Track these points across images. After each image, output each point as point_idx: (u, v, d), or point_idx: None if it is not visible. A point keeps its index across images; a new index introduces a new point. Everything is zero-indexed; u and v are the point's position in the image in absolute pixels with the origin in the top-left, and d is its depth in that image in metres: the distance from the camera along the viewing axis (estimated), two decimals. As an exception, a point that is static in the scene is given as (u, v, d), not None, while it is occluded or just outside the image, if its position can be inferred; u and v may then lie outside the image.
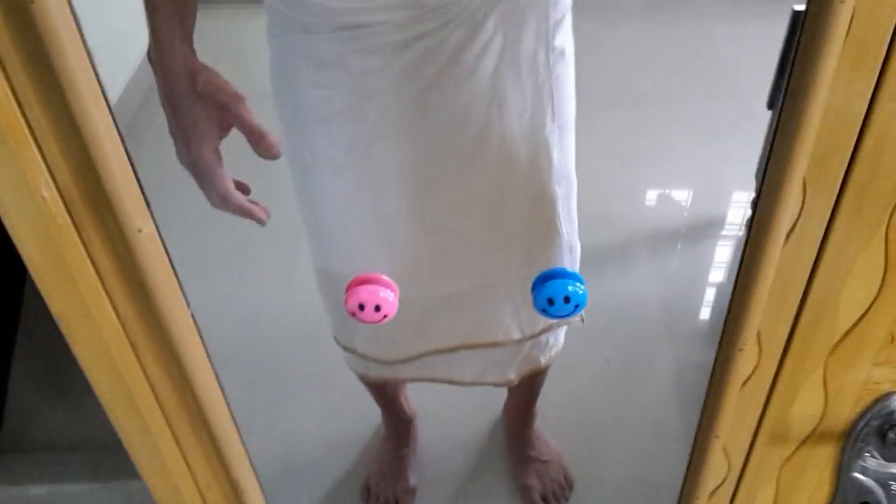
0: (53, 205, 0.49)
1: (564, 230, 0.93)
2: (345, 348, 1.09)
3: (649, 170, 1.93)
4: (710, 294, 1.72)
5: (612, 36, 2.26)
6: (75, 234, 0.50)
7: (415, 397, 1.44)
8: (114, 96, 0.49)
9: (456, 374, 1.10)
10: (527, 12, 0.76)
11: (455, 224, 0.89)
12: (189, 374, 0.60)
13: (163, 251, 0.54)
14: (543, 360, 1.10)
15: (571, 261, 0.97)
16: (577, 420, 1.49)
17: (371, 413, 1.43)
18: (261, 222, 0.79)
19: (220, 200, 0.77)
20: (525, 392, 1.34)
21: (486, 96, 0.79)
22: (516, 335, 1.02)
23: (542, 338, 1.07)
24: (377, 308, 0.75)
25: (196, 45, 0.70)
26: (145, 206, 0.52)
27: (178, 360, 0.58)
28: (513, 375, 1.11)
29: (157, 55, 0.69)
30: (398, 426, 1.41)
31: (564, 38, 0.82)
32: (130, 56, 2.14)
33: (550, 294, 0.77)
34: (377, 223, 0.89)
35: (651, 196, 1.89)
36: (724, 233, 1.82)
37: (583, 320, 1.08)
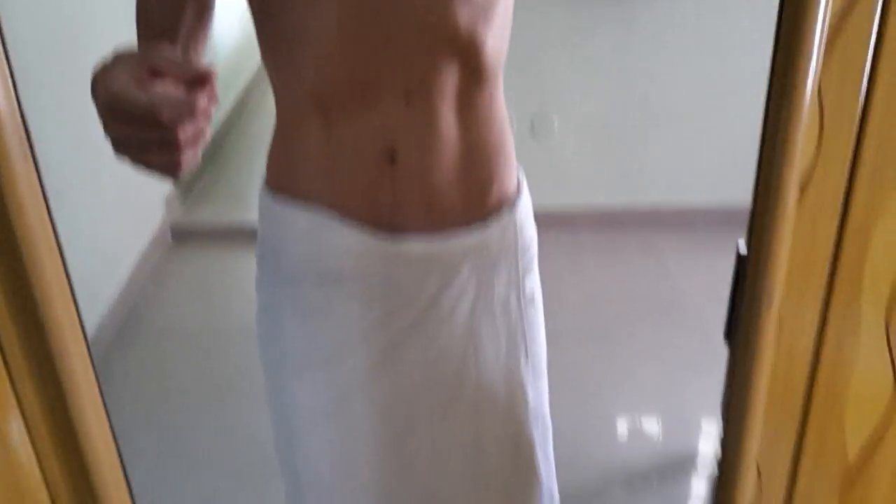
0: (22, 448, 0.47)
1: (543, 476, 0.92)
2: None
3: (618, 405, 1.95)
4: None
5: (573, 274, 2.39)
6: (42, 483, 0.49)
7: None
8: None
9: None
10: (498, 261, 0.82)
11: (433, 469, 0.88)
12: None
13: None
14: None
15: None
16: None
17: None
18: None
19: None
20: None
21: (463, 339, 0.82)
22: None
23: None
24: None
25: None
26: (117, 460, 0.52)
27: None
28: None
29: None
30: None
31: (533, 285, 0.87)
32: (102, 296, 2.20)
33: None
34: (357, 472, 0.88)
35: (622, 432, 1.89)
36: (698, 466, 1.80)
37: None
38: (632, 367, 2.05)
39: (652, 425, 1.89)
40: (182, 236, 2.65)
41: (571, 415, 1.82)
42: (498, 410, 0.87)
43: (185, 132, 0.57)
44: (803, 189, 0.45)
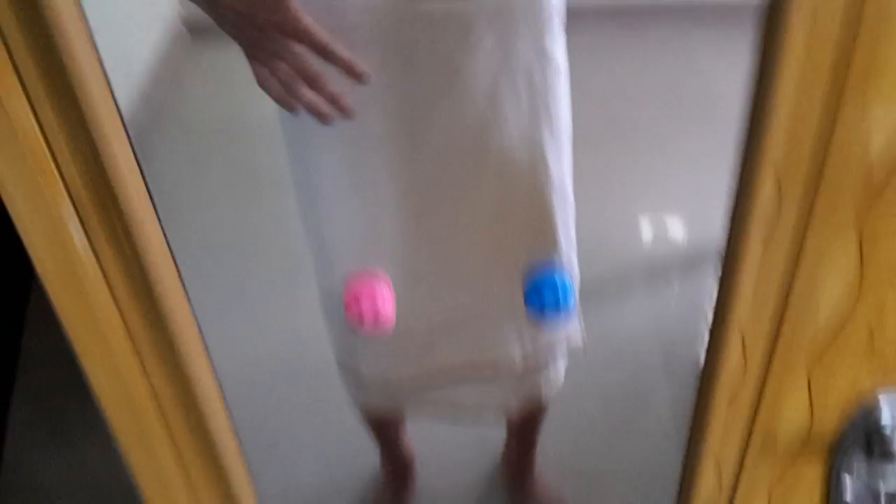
0: (72, 225, 0.49)
1: (564, 249, 0.94)
2: (348, 372, 1.08)
3: (643, 200, 1.95)
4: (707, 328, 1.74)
5: (598, 70, 2.32)
6: (93, 258, 0.51)
7: (414, 442, 1.42)
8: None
9: (457, 399, 1.09)
10: (521, 24, 0.79)
11: (457, 236, 0.90)
12: (200, 402, 0.61)
13: (177, 278, 0.56)
14: (544, 390, 1.11)
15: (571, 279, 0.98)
16: (576, 463, 1.47)
17: (370, 459, 1.42)
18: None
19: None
20: (524, 435, 1.33)
21: (484, 106, 0.81)
22: (518, 353, 1.02)
23: (543, 370, 1.08)
24: (373, 302, 0.77)
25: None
26: (160, 230, 0.54)
27: (190, 388, 0.59)
28: (514, 402, 1.12)
29: None
30: (397, 468, 1.39)
31: (557, 49, 0.84)
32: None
33: (538, 285, 0.79)
34: (382, 239, 0.90)
35: (646, 226, 1.91)
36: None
37: (583, 347, 1.08)
38: (657, 165, 2.04)
39: (675, 225, 1.91)
40: (198, 31, 2.58)
41: (594, 207, 1.83)
42: (520, 181, 0.87)
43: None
44: None
